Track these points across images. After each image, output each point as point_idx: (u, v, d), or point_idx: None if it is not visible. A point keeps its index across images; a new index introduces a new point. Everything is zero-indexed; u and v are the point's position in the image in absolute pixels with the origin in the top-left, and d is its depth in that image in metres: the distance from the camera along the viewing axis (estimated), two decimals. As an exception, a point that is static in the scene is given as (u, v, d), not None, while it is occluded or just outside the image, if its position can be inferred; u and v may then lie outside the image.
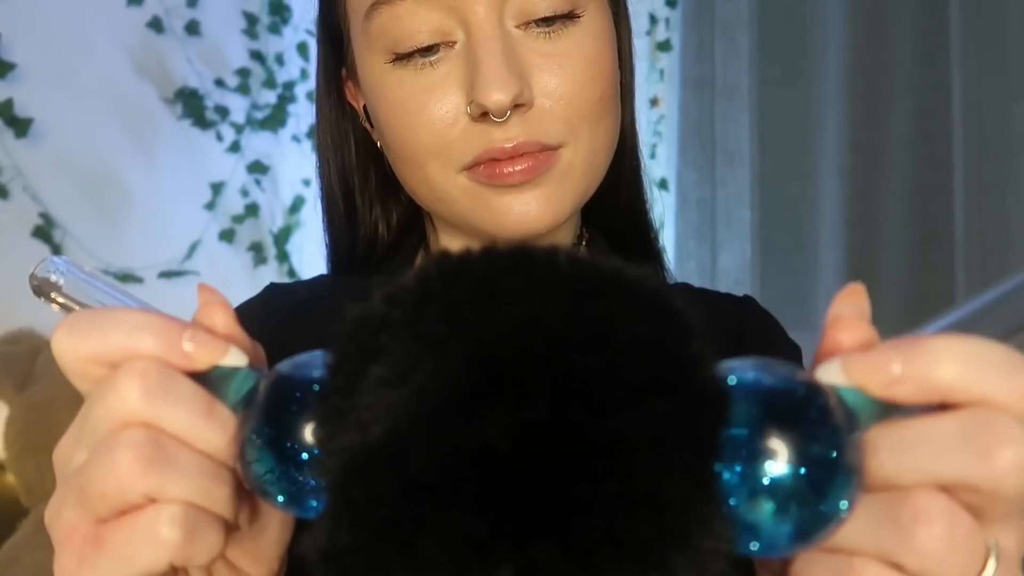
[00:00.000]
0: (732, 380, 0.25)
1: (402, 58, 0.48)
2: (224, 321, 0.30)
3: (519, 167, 0.48)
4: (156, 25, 1.78)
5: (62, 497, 0.28)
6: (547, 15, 0.47)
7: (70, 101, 1.63)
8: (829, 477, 0.24)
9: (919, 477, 0.24)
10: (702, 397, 0.24)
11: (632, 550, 0.22)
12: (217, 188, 1.91)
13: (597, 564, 0.21)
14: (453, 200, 0.50)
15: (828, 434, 0.24)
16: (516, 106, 0.47)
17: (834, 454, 0.24)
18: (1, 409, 1.37)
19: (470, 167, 0.49)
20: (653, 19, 2.02)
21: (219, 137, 1.92)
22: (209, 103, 1.89)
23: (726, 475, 0.24)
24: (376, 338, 0.24)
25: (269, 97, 2.03)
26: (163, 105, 1.82)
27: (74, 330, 0.28)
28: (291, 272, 2.08)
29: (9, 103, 1.50)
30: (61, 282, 0.31)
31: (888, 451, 0.24)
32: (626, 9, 0.56)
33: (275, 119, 2.02)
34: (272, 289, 0.59)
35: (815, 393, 0.25)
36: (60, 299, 0.31)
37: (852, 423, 0.25)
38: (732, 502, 0.24)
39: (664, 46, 2.03)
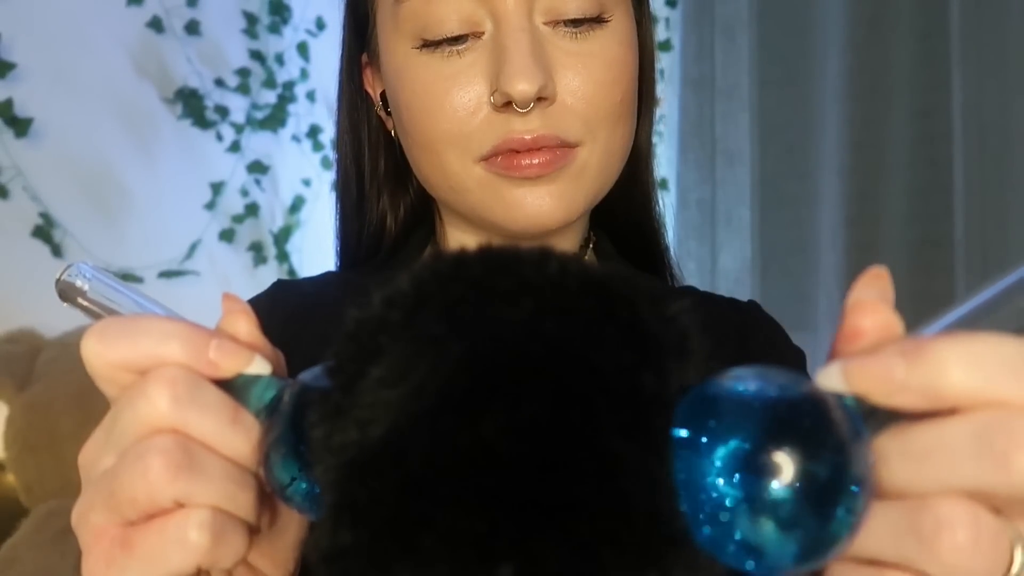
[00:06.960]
0: (734, 389, 0.24)
1: (429, 45, 0.48)
2: (248, 329, 0.31)
3: (536, 160, 0.48)
4: (156, 25, 1.78)
5: (90, 500, 0.28)
6: (576, 16, 0.48)
7: (70, 101, 1.63)
8: (833, 494, 0.22)
9: (936, 486, 0.23)
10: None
11: (632, 546, 0.22)
12: (217, 188, 1.90)
13: (598, 560, 0.21)
14: (467, 190, 0.50)
15: (832, 449, 0.22)
16: (539, 99, 0.47)
17: (839, 470, 0.22)
18: (1, 409, 1.37)
19: (487, 157, 0.49)
20: (653, 19, 2.02)
21: (219, 137, 1.92)
22: (209, 103, 1.89)
23: (725, 490, 0.23)
24: (375, 339, 0.24)
25: (269, 97, 2.03)
26: (163, 105, 1.82)
27: (104, 336, 0.29)
28: (291, 272, 2.07)
29: (9, 103, 1.50)
30: (86, 287, 0.31)
31: (901, 460, 0.23)
32: (649, 17, 0.57)
33: (275, 119, 2.02)
34: (279, 285, 0.59)
35: (817, 404, 0.23)
36: (85, 304, 0.31)
37: (858, 432, 0.23)
38: (726, 518, 0.23)
39: (664, 46, 2.03)
